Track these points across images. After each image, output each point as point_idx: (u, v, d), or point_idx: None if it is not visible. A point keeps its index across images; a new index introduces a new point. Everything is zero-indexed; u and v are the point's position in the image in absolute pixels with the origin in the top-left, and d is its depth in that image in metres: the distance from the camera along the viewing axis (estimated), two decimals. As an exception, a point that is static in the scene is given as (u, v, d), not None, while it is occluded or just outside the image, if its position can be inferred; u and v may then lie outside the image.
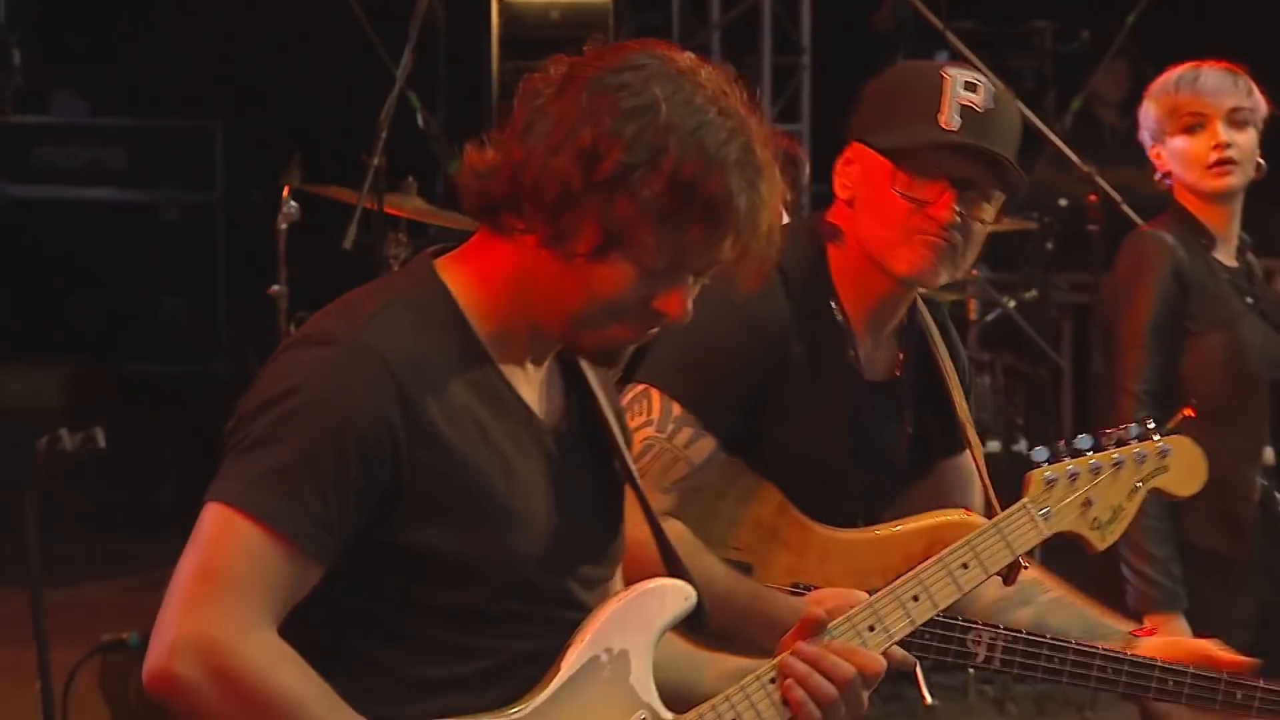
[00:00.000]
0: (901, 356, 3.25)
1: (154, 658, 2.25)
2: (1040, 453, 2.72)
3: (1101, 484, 2.70)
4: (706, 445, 3.08)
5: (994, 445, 7.09)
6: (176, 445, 10.75)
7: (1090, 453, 2.71)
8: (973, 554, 2.61)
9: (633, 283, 2.37)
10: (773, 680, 2.53)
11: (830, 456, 3.15)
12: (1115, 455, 2.72)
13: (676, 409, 3.07)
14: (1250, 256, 4.59)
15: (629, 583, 2.60)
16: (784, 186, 2.42)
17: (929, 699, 6.60)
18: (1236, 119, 4.46)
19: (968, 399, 3.28)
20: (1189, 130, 4.48)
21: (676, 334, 2.58)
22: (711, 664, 2.64)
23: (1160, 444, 2.77)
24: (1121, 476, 2.72)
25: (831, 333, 3.14)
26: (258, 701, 2.24)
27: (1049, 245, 8.50)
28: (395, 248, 6.57)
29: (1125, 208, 7.05)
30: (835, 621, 2.57)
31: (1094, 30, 11.31)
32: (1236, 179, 4.47)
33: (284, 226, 6.74)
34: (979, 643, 3.07)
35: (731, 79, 2.41)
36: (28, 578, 6.08)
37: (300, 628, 2.33)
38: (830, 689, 2.49)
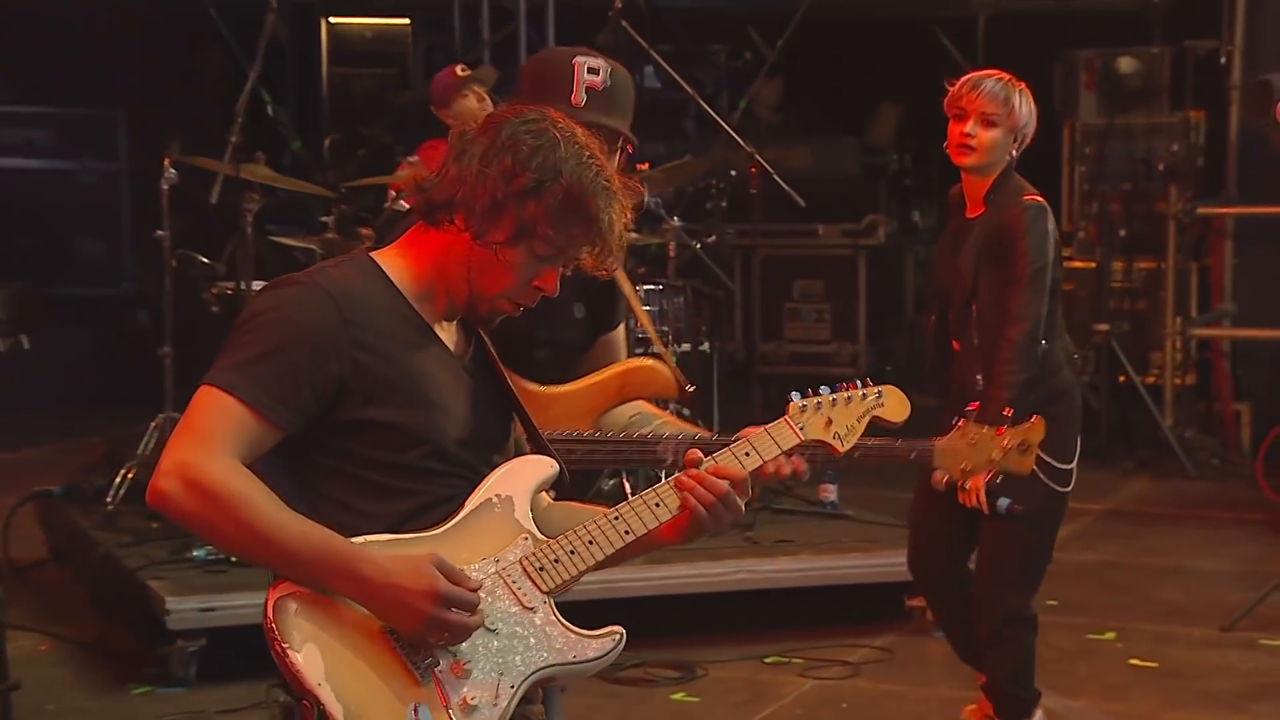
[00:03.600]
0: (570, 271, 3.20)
1: (150, 484, 2.34)
2: (796, 395, 2.78)
3: (838, 411, 2.78)
4: None
5: (686, 346, 7.08)
6: (94, 346, 10.45)
7: (830, 394, 2.80)
8: (752, 448, 2.67)
9: (526, 264, 2.50)
10: (666, 488, 2.57)
11: (517, 340, 3.11)
12: (847, 394, 2.80)
13: None
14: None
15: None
16: (627, 211, 2.57)
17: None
18: (987, 118, 4.40)
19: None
20: (956, 118, 4.43)
21: None
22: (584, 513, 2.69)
23: (877, 389, 2.85)
24: (852, 407, 2.80)
25: None
26: (219, 499, 2.30)
27: (724, 204, 8.55)
28: (249, 203, 6.47)
29: (776, 178, 7.12)
30: (720, 453, 2.63)
31: (754, 52, 11.39)
32: (970, 160, 4.42)
33: (166, 187, 6.72)
34: (666, 449, 3.06)
35: (593, 137, 2.57)
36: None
37: (282, 473, 2.44)
38: (710, 498, 2.56)
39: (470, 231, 2.47)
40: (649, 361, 3.31)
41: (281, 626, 2.33)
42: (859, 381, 2.83)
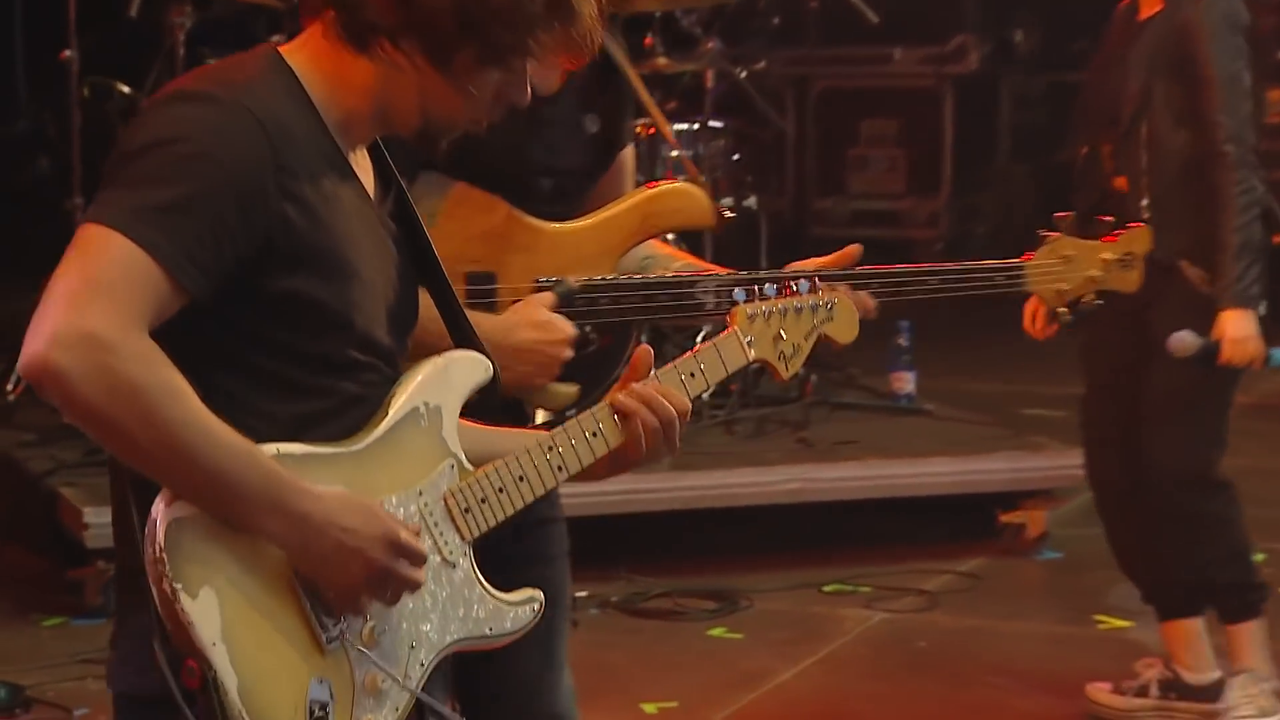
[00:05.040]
0: (569, 67, 3.21)
1: (33, 346, 2.20)
2: (739, 293, 2.84)
3: (788, 324, 2.84)
4: None
5: (727, 201, 7.09)
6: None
7: (777, 298, 2.85)
8: (699, 365, 2.73)
9: (499, 82, 2.48)
10: (604, 413, 2.62)
11: (512, 171, 3.16)
12: (796, 303, 2.85)
13: None
14: None
15: (418, 352, 2.65)
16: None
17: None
18: None
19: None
20: None
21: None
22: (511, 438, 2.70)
23: (827, 298, 2.90)
24: (802, 320, 2.86)
25: None
26: (139, 392, 2.20)
27: (775, 21, 8.47)
28: (179, 16, 6.40)
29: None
30: (661, 370, 2.68)
31: None
32: None
33: (73, -3, 6.54)
34: (707, 291, 3.12)
35: None
36: None
37: (172, 359, 2.30)
38: (653, 422, 2.61)
39: (430, 59, 2.41)
40: (676, 184, 3.32)
41: (174, 559, 2.24)
42: (795, 284, 2.87)
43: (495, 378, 2.58)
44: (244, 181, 2.31)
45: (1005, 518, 6.34)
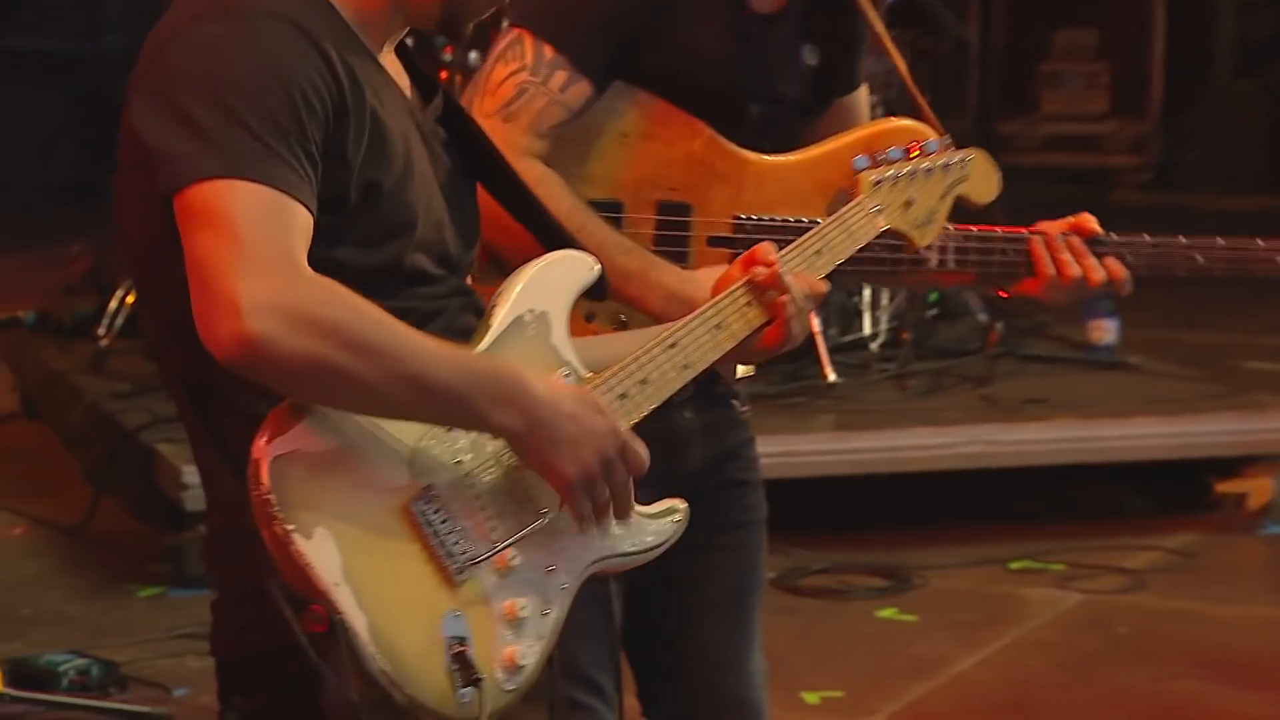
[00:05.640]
0: None
1: (222, 330, 2.24)
2: (861, 160, 2.85)
3: (919, 187, 2.87)
4: (582, 90, 3.08)
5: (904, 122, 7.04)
6: (67, 120, 10.62)
7: (903, 160, 2.86)
8: (824, 242, 2.75)
9: None
10: (728, 303, 2.65)
11: (719, 91, 3.14)
12: (925, 164, 2.87)
13: (549, 52, 3.07)
14: None
15: (504, 256, 2.72)
16: None
17: (831, 376, 6.80)
18: None
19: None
20: None
21: None
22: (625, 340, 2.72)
23: (959, 155, 2.91)
24: (933, 182, 2.88)
25: None
26: (339, 327, 2.27)
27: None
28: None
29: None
30: (784, 252, 2.70)
31: None
32: None
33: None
34: (930, 247, 3.08)
35: None
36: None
37: None
38: (800, 299, 2.66)
39: None
40: (907, 121, 3.25)
41: (284, 498, 2.28)
42: (923, 144, 2.88)
43: (602, 276, 2.61)
44: (303, 83, 2.36)
45: (1222, 487, 6.28)
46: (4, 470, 6.77)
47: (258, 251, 2.27)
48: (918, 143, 2.87)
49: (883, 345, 6.99)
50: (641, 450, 2.45)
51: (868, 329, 7.07)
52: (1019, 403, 6.48)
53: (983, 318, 7.20)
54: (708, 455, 3.13)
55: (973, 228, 3.13)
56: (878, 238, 2.84)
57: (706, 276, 3.01)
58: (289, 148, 2.33)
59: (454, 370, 2.35)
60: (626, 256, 3.01)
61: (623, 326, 2.99)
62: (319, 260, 2.36)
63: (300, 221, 2.32)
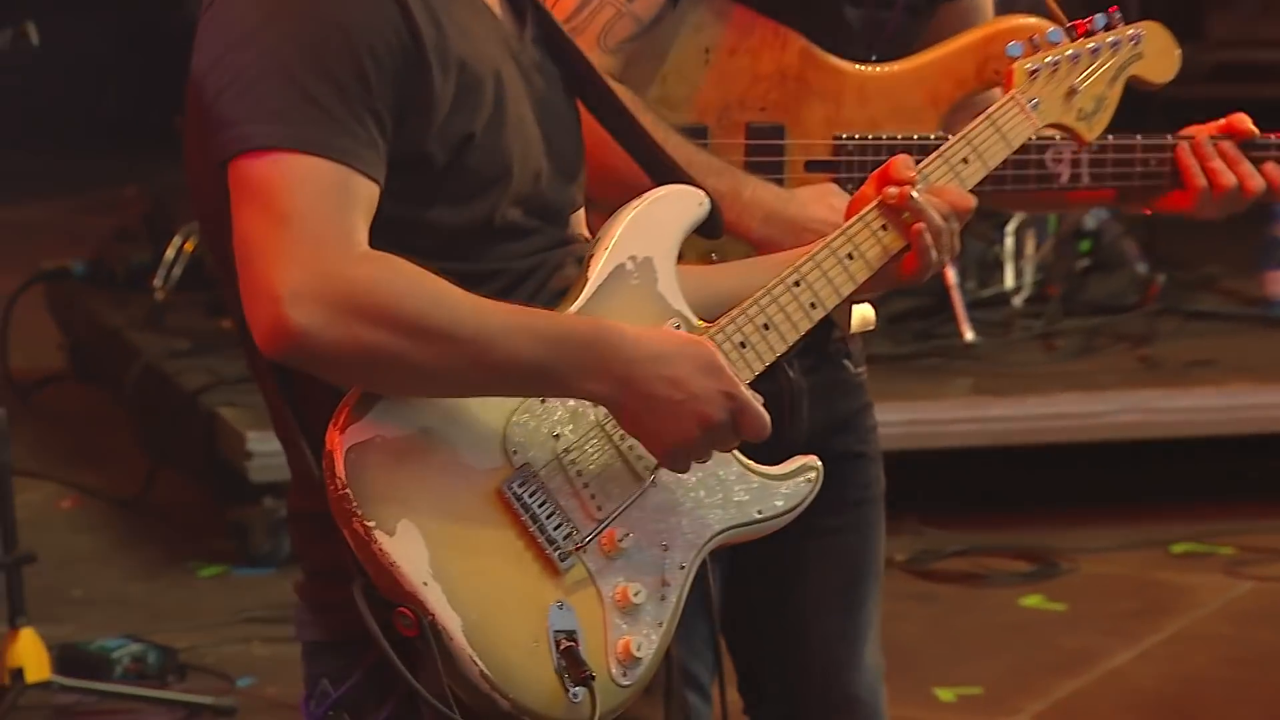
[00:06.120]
0: None
1: (262, 320, 2.27)
2: (1015, 48, 2.77)
3: (1082, 72, 2.79)
4: (654, 0, 3.04)
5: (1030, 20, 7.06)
6: (125, 51, 10.71)
7: (1065, 42, 2.79)
8: (971, 148, 2.68)
9: None
10: (859, 228, 2.60)
11: None
12: (1090, 44, 2.79)
13: None
14: None
15: (604, 187, 2.70)
16: None
17: (968, 335, 6.75)
18: None
19: None
20: None
21: None
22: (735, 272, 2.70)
23: (1131, 30, 2.84)
24: (1101, 64, 2.81)
25: None
26: (399, 310, 2.28)
27: None
28: None
29: None
30: (924, 163, 2.65)
31: None
32: None
33: None
34: (1060, 160, 3.08)
35: None
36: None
37: None
38: (938, 221, 2.61)
39: None
40: (1033, 19, 3.18)
41: (361, 492, 2.30)
42: (1098, 16, 2.78)
43: (714, 211, 2.58)
44: (372, 36, 2.35)
45: None
46: (52, 436, 6.82)
47: (306, 233, 2.27)
48: (1080, 24, 2.78)
49: (1027, 300, 6.93)
50: (760, 413, 2.41)
51: (1010, 282, 7.02)
52: (1183, 365, 6.43)
53: (1142, 269, 7.14)
54: (816, 423, 3.08)
55: (1109, 136, 3.04)
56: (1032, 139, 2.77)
57: (810, 195, 2.97)
58: (350, 109, 2.32)
59: (529, 341, 2.33)
60: (717, 178, 2.94)
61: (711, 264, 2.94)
62: (410, 224, 2.39)
63: (360, 194, 2.32)
